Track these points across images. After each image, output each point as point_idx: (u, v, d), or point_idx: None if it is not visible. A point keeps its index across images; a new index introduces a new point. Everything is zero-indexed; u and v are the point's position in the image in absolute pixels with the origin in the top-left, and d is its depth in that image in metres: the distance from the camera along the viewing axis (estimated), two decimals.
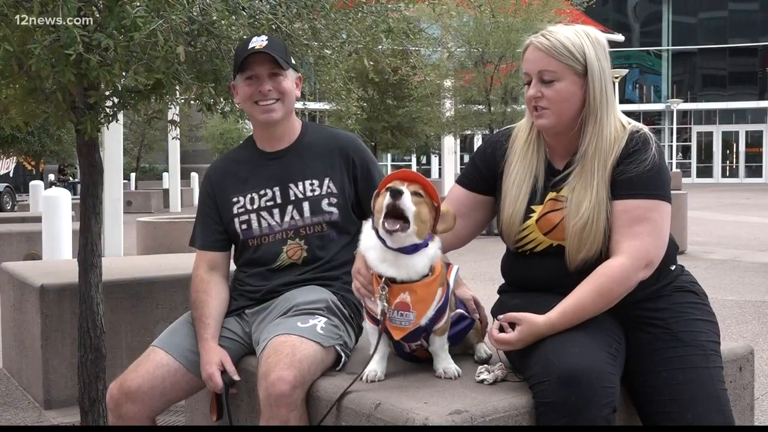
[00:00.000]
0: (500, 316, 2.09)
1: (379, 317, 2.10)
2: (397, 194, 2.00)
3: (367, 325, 2.19)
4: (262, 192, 2.57)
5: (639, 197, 2.09)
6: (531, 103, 2.17)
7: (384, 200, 2.02)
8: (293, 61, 2.62)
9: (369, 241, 2.12)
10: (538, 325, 2.01)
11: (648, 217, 2.09)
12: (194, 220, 2.70)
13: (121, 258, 6.40)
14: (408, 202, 2.01)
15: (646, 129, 2.19)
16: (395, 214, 2.01)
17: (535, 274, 2.23)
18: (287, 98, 2.53)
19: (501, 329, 2.08)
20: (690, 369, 2.05)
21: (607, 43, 2.18)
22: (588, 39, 2.13)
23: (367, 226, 2.17)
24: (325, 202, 2.53)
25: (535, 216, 2.19)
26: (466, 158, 42.88)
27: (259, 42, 2.48)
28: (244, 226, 2.56)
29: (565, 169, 2.20)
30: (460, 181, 2.40)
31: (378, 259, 2.09)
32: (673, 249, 2.24)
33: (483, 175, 2.34)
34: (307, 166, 2.57)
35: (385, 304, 2.07)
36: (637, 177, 2.10)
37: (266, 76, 2.49)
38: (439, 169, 27.81)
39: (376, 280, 2.10)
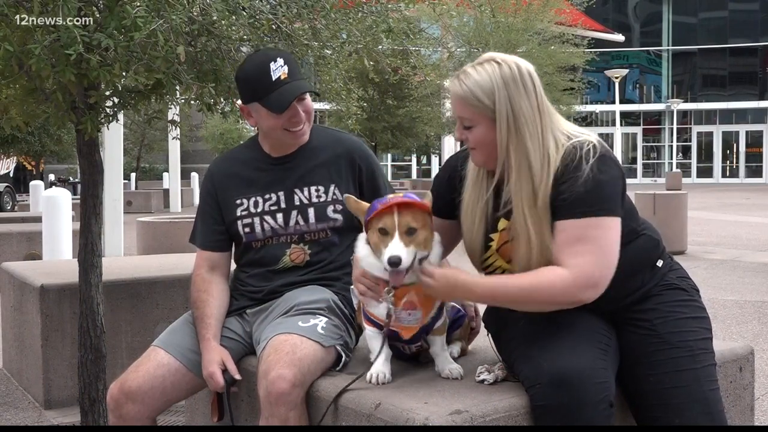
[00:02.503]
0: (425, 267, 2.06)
1: (384, 319, 2.10)
2: (395, 265, 2.00)
3: (368, 329, 2.19)
4: (267, 196, 2.56)
5: (575, 216, 2.01)
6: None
7: (383, 259, 2.01)
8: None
9: (369, 256, 2.12)
10: (461, 277, 2.01)
11: (587, 236, 1.99)
12: (194, 217, 2.70)
13: (121, 258, 6.39)
14: (408, 261, 2.01)
15: (585, 142, 2.07)
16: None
17: None
18: (311, 116, 2.54)
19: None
20: (676, 372, 2.04)
21: (528, 70, 2.08)
22: (502, 80, 2.04)
23: (362, 239, 2.17)
24: (330, 208, 2.53)
25: (494, 245, 2.16)
26: None
27: (281, 70, 2.43)
28: (247, 229, 2.56)
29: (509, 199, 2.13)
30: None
31: (378, 270, 2.09)
32: (652, 244, 2.18)
33: (445, 200, 2.27)
34: (313, 172, 2.56)
35: (391, 306, 2.08)
36: (571, 197, 2.01)
37: (296, 104, 2.46)
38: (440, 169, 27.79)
39: (381, 283, 2.11)
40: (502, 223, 2.14)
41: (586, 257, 1.98)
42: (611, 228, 2.02)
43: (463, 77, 2.08)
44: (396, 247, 2.00)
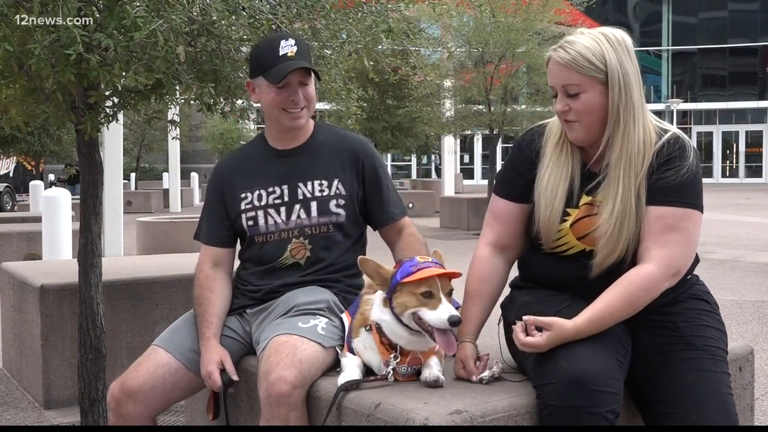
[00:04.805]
0: (526, 318, 2.02)
1: (382, 373, 2.12)
2: (456, 324, 2.03)
3: (348, 355, 2.19)
4: (270, 189, 2.57)
5: (673, 205, 2.06)
6: (561, 117, 2.15)
7: (442, 319, 2.01)
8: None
9: (388, 320, 2.12)
10: (566, 329, 1.97)
11: (680, 226, 2.05)
12: (200, 214, 2.71)
13: (121, 258, 6.40)
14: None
15: (684, 136, 2.15)
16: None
17: (555, 274, 2.21)
18: (312, 104, 2.56)
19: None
20: (697, 371, 2.04)
21: (630, 41, 2.12)
22: (608, 43, 2.07)
23: (378, 300, 2.16)
24: (333, 203, 2.54)
25: (570, 220, 2.15)
26: (466, 158, 42.84)
27: (289, 48, 2.46)
28: (250, 223, 2.56)
29: (600, 173, 2.15)
30: (503, 192, 2.29)
31: (401, 338, 2.10)
32: (694, 261, 2.22)
33: (526, 180, 2.24)
34: (317, 165, 2.57)
35: (394, 368, 2.09)
36: (672, 184, 2.06)
37: (297, 84, 2.49)
38: (439, 169, 27.78)
39: (383, 347, 2.12)
40: (585, 199, 2.15)
41: (673, 248, 2.04)
42: (698, 223, 2.09)
43: (568, 45, 2.08)
44: (450, 308, 2.03)
